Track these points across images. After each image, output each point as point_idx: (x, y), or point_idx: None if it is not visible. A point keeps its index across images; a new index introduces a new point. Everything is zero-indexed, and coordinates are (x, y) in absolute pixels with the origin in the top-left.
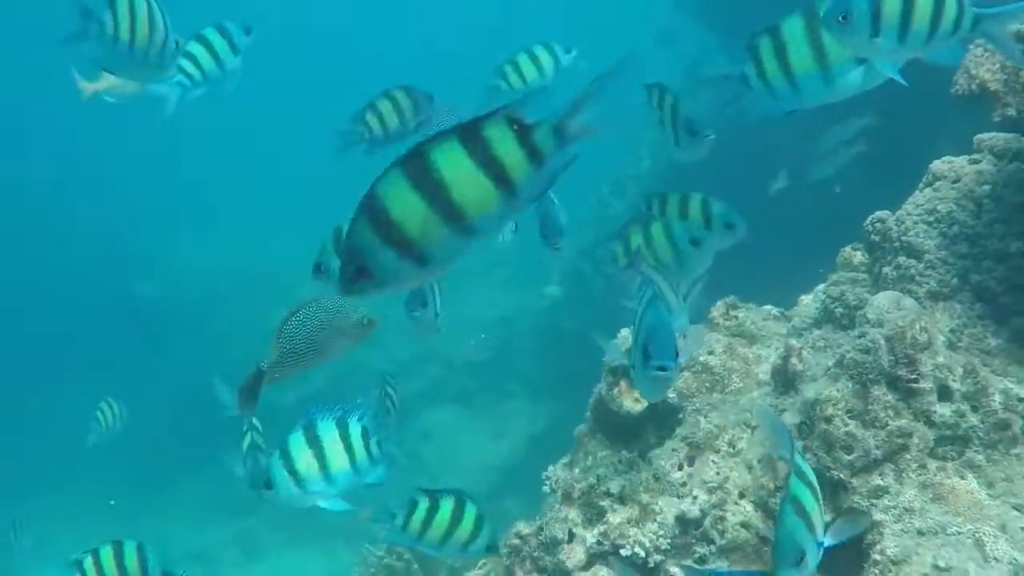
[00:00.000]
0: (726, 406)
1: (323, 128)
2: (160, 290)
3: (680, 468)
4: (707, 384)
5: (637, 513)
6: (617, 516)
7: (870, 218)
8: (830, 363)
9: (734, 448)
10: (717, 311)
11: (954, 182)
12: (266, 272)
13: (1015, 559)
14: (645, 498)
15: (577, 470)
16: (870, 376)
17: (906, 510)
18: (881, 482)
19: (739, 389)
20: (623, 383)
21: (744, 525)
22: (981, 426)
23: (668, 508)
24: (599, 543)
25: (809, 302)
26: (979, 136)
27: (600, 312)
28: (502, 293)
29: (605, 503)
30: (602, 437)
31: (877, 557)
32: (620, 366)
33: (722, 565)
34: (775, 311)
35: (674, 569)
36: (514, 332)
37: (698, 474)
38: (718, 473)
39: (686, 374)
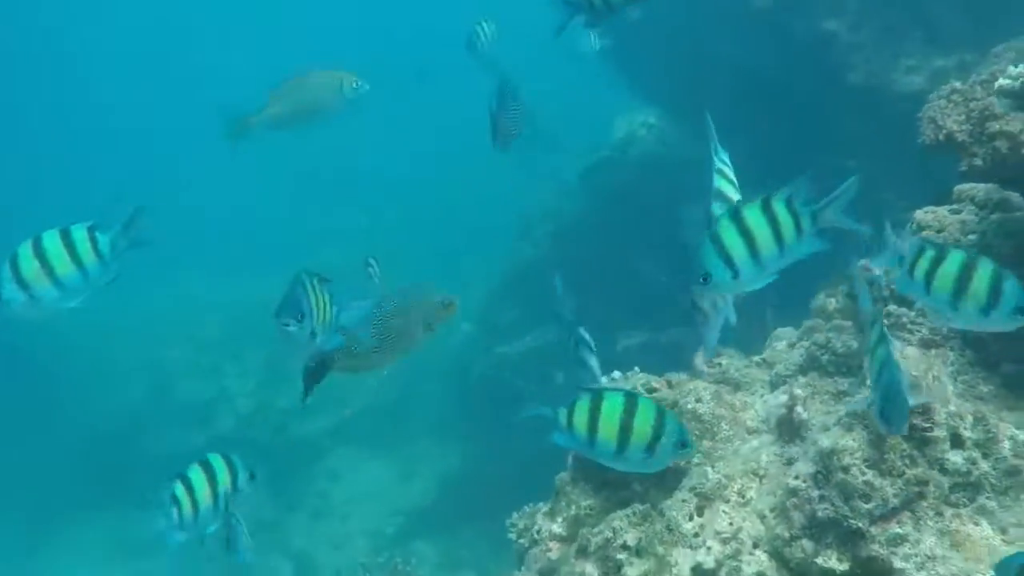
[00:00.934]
0: (730, 455)
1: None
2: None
3: (691, 519)
4: (696, 432)
5: (654, 566)
6: (634, 570)
7: (856, 265)
8: (842, 411)
9: (744, 498)
10: (699, 358)
11: (938, 231)
12: (160, 311)
13: None
14: (660, 550)
15: (560, 519)
16: None
17: (928, 557)
18: (900, 530)
19: (728, 437)
20: None
21: (759, 575)
22: (992, 473)
23: (683, 560)
24: None
25: (785, 348)
26: (959, 187)
27: (514, 355)
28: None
29: (622, 556)
30: (585, 486)
31: None
32: None
33: None
34: (756, 358)
35: None
36: (421, 371)
37: (710, 525)
38: (731, 523)
39: None
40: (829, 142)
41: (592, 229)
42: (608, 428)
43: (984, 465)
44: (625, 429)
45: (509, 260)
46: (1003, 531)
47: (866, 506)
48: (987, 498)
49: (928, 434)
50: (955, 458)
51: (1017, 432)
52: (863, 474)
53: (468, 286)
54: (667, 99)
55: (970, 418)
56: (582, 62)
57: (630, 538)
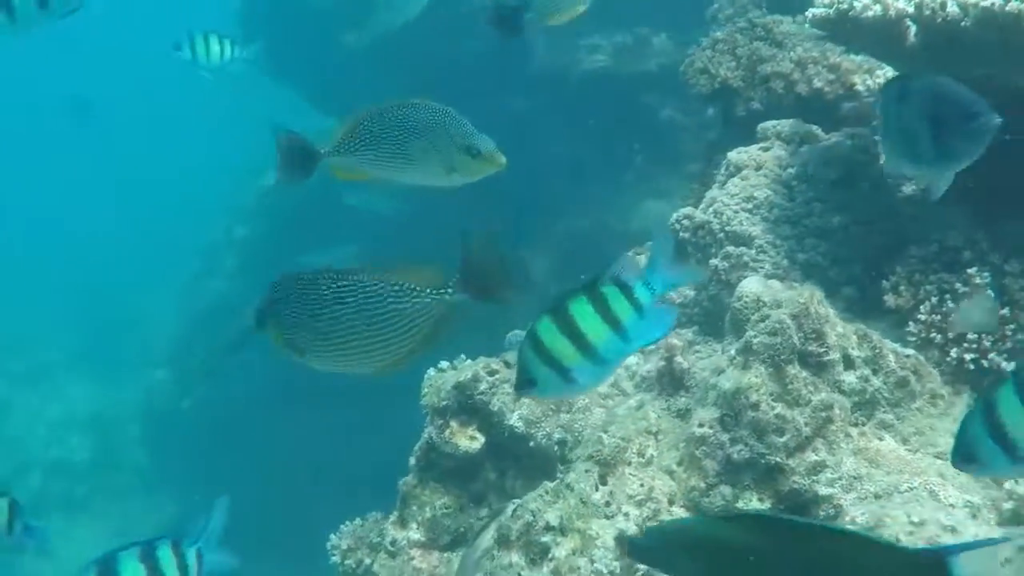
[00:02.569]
0: (606, 421)
1: None
2: None
3: (597, 489)
4: (552, 407)
5: (579, 542)
6: (562, 549)
7: (675, 216)
8: (732, 351)
9: (644, 457)
10: None
11: (757, 169)
12: None
13: (969, 501)
14: (580, 524)
15: (414, 524)
16: (782, 356)
17: (853, 478)
18: (817, 457)
19: (585, 406)
20: (453, 423)
21: None
22: (884, 387)
23: (604, 531)
24: None
25: None
26: (763, 125)
27: (222, 388)
28: (92, 386)
29: (547, 538)
30: (435, 484)
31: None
32: (446, 407)
33: None
34: None
35: None
36: (114, 424)
37: (619, 490)
38: (641, 485)
39: (524, 401)
40: (534, 134)
41: (281, 253)
42: None
43: (876, 381)
44: None
45: (195, 297)
46: (905, 441)
47: (781, 439)
48: (884, 412)
49: (824, 358)
50: (849, 378)
51: (895, 345)
52: (772, 408)
53: (147, 330)
54: (338, 103)
55: (855, 338)
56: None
57: (552, 517)
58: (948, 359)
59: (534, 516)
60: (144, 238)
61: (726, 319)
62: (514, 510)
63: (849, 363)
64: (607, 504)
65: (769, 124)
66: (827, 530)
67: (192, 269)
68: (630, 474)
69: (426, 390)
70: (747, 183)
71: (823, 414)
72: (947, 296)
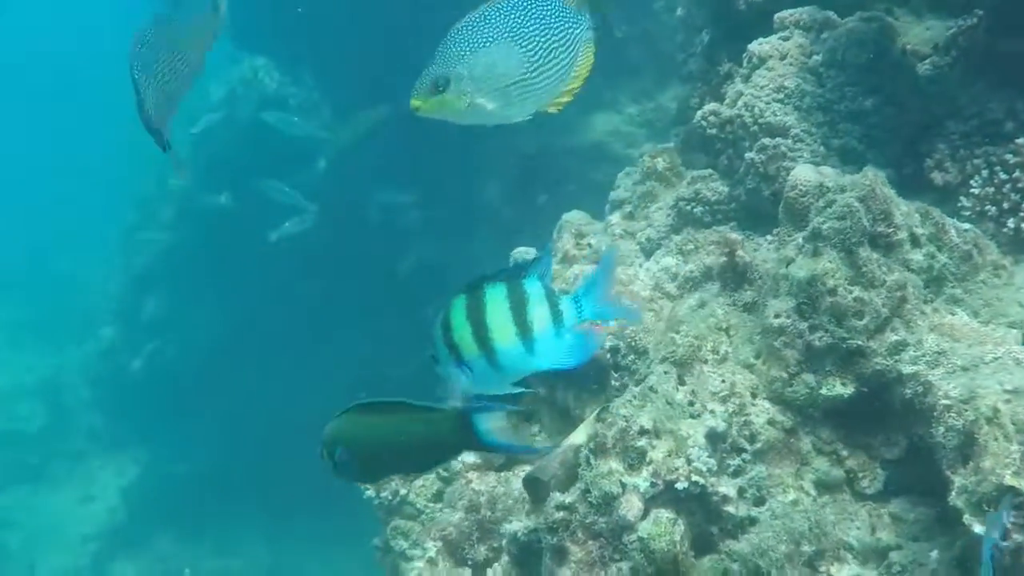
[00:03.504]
0: (681, 321)
1: None
2: None
3: (678, 389)
4: None
5: (673, 444)
6: (659, 452)
7: (701, 112)
8: (800, 238)
9: (719, 353)
10: (568, 243)
11: (782, 58)
12: None
13: None
14: (670, 426)
15: None
16: (853, 240)
17: (937, 353)
18: (897, 337)
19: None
20: None
21: (771, 423)
22: (950, 263)
23: (694, 430)
24: (652, 485)
25: (617, 220)
26: (779, 14)
27: (173, 344)
28: (37, 354)
29: (642, 442)
30: None
31: (945, 402)
32: None
33: (761, 470)
34: (616, 229)
35: (723, 489)
36: (64, 389)
37: (701, 388)
38: (723, 381)
39: None
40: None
41: (217, 201)
42: None
43: (941, 257)
44: None
45: (134, 251)
46: (976, 314)
47: (861, 322)
48: (952, 287)
49: (892, 238)
50: (916, 256)
51: (953, 220)
52: (850, 292)
53: (88, 290)
54: (266, 44)
55: (917, 216)
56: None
57: (645, 421)
58: (1004, 230)
59: (627, 421)
60: (75, 194)
61: (780, 209)
62: (599, 415)
63: (915, 241)
64: (691, 404)
65: (786, 13)
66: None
67: (128, 222)
68: (708, 372)
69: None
70: (775, 73)
71: (898, 294)
72: (997, 168)
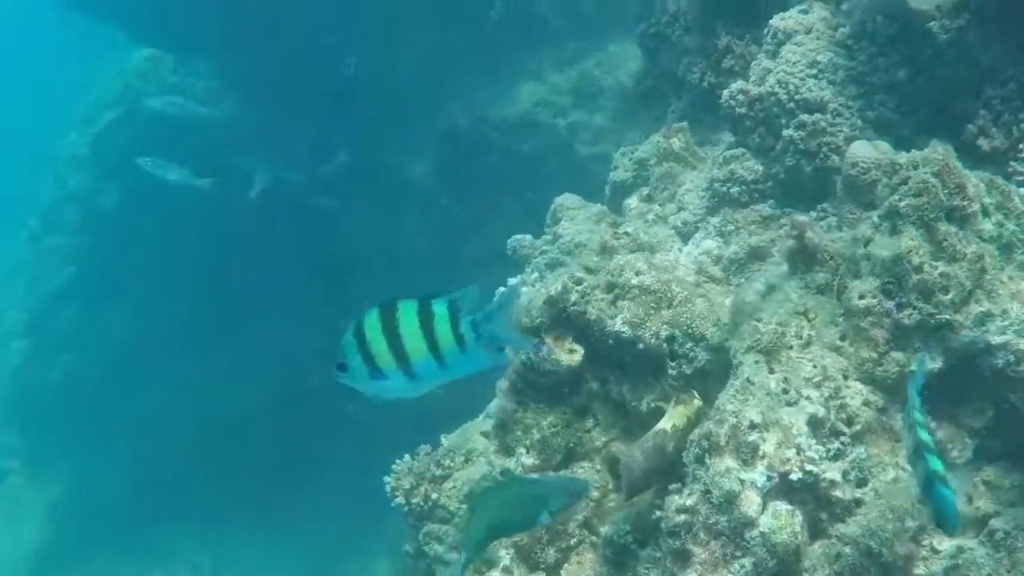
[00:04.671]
0: (721, 309)
1: None
2: None
3: (770, 378)
4: (653, 305)
5: (781, 435)
6: (769, 445)
7: (729, 92)
8: (875, 217)
9: (802, 338)
10: (606, 234)
11: (807, 32)
12: None
13: None
14: (774, 417)
15: (523, 449)
16: (931, 215)
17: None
18: (982, 308)
19: (686, 297)
20: (548, 339)
21: (866, 404)
22: (1017, 229)
23: (795, 418)
24: (768, 479)
25: (636, 204)
26: None
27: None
28: None
29: (754, 437)
30: (535, 405)
31: None
32: (540, 324)
33: (861, 452)
34: (650, 215)
35: (831, 474)
36: None
37: (793, 375)
38: (814, 366)
39: (625, 303)
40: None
41: (126, 200)
42: None
43: (1010, 224)
44: None
45: (42, 261)
46: None
47: (947, 297)
48: (1021, 254)
49: (967, 211)
50: (987, 226)
51: (1019, 188)
52: (935, 268)
53: None
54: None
55: (983, 186)
56: None
57: (754, 415)
58: None
59: (737, 417)
60: None
61: (839, 186)
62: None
63: (984, 211)
64: (784, 391)
65: None
66: None
67: (30, 230)
68: (796, 357)
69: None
70: (805, 48)
71: (978, 265)
72: None
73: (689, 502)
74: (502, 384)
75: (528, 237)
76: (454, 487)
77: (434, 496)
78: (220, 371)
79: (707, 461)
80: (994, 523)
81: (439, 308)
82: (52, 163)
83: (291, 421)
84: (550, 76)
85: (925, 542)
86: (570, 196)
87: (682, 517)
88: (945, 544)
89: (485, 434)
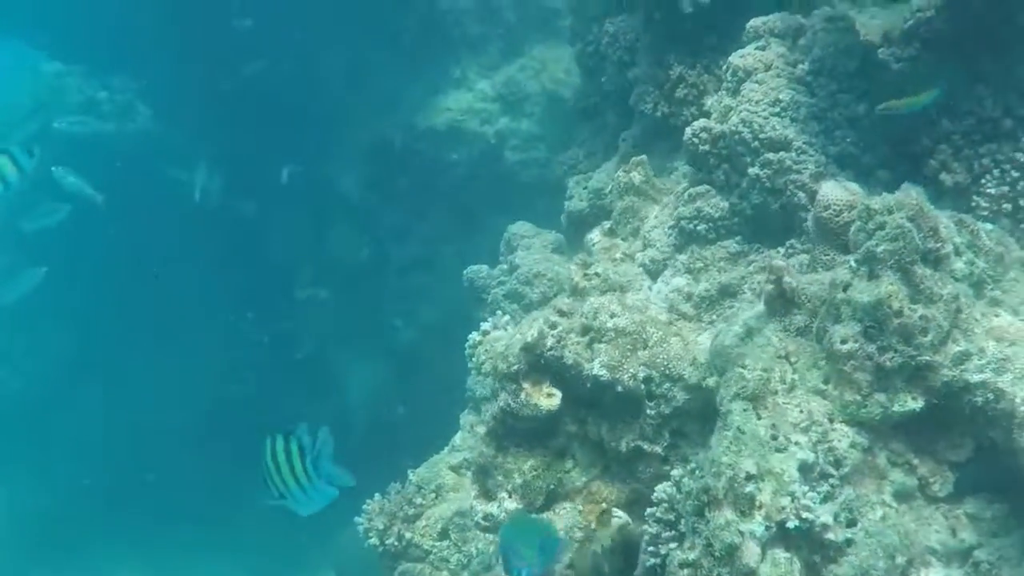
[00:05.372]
0: (741, 352)
1: None
2: None
3: (758, 422)
4: (629, 347)
5: (774, 483)
6: (765, 494)
7: (692, 130)
8: (852, 261)
9: (786, 383)
10: (576, 275)
11: (767, 69)
12: None
13: None
14: (767, 465)
15: (505, 494)
16: (907, 259)
17: (1002, 359)
18: (959, 348)
19: (662, 338)
20: (526, 384)
21: (852, 446)
22: (986, 266)
23: (786, 464)
24: (767, 528)
25: (599, 239)
26: (752, 23)
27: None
28: None
29: (751, 488)
30: (515, 449)
31: (1022, 409)
32: (517, 371)
33: (849, 493)
34: (617, 254)
35: (823, 518)
36: None
37: (780, 421)
38: (800, 411)
39: (602, 347)
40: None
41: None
42: None
43: (980, 262)
44: None
45: None
46: (1016, 312)
47: (927, 339)
48: (991, 290)
49: (941, 252)
50: (959, 265)
51: (984, 224)
52: (915, 311)
53: None
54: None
55: (953, 225)
56: None
57: (749, 466)
58: (1023, 226)
59: (734, 470)
60: None
61: (811, 227)
62: (692, 470)
63: (956, 251)
64: (773, 437)
65: (758, 21)
66: None
67: None
68: (783, 403)
69: (483, 358)
70: (766, 87)
71: (954, 306)
72: (1007, 167)
73: (691, 556)
74: (479, 429)
75: (484, 268)
76: (427, 525)
77: (407, 535)
78: (154, 385)
79: (707, 514)
80: (978, 554)
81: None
82: None
83: (230, 434)
84: (475, 83)
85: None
86: (523, 224)
87: (686, 572)
88: None
89: (453, 468)
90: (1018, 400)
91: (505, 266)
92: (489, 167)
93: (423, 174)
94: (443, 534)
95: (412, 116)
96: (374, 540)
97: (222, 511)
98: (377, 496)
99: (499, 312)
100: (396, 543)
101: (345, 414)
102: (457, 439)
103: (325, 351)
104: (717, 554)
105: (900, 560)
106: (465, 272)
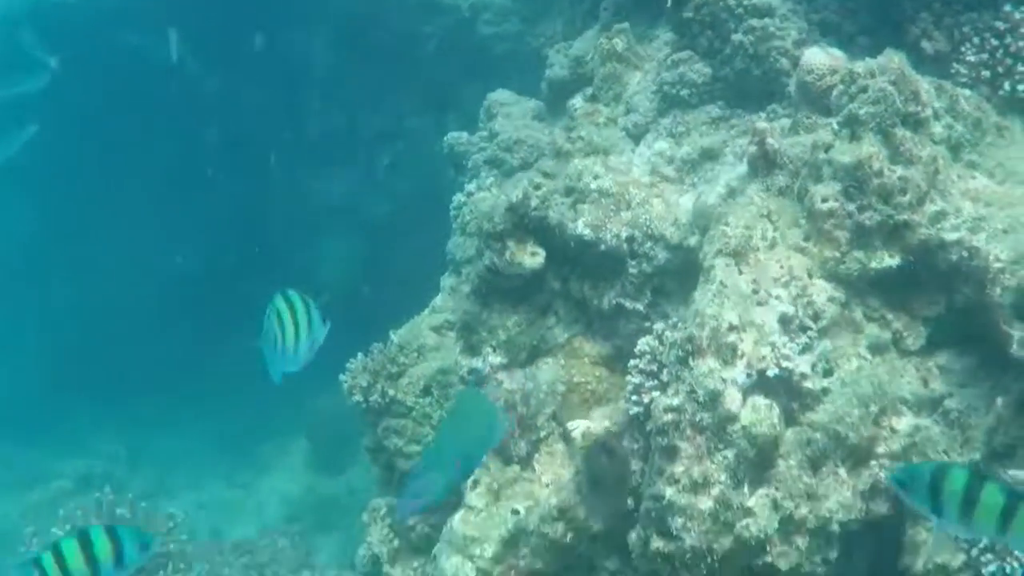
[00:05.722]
0: (724, 210)
1: None
2: None
3: (740, 276)
4: (612, 207)
5: (756, 335)
6: (747, 344)
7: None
8: (835, 123)
9: (767, 240)
10: (561, 138)
11: None
12: None
13: None
14: (748, 317)
15: (489, 349)
16: (888, 122)
17: (976, 219)
18: (935, 207)
19: (644, 199)
20: (510, 243)
21: (830, 300)
22: (964, 131)
23: (766, 317)
24: (748, 376)
25: (581, 105)
26: None
27: None
28: None
29: (732, 337)
30: (500, 306)
31: (997, 265)
32: (502, 231)
33: (826, 345)
34: (600, 119)
35: (801, 368)
36: None
37: (762, 276)
38: (780, 267)
39: (585, 207)
40: None
41: None
42: None
43: (958, 127)
44: None
45: None
46: (991, 175)
47: (905, 199)
48: (968, 153)
49: (921, 115)
50: (937, 128)
51: (963, 90)
52: (894, 172)
53: None
54: None
55: (933, 90)
56: None
57: (732, 317)
58: (1001, 92)
59: (717, 320)
60: None
61: (791, 91)
62: (674, 324)
63: (935, 115)
64: (754, 292)
65: None
66: None
67: None
68: (764, 259)
69: (468, 218)
70: None
71: (932, 167)
72: (987, 35)
73: (675, 402)
74: (462, 288)
75: (464, 134)
76: (410, 383)
77: (391, 392)
78: (118, 259)
79: (690, 363)
80: (948, 403)
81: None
82: None
83: (198, 306)
84: None
85: (885, 423)
86: (503, 92)
87: (669, 416)
88: (903, 424)
89: (434, 329)
90: (991, 257)
91: (485, 133)
92: (462, 39)
93: (395, 46)
94: (425, 391)
95: None
96: (358, 397)
97: (192, 385)
98: (360, 355)
99: (483, 175)
100: (380, 400)
101: (318, 289)
102: (438, 301)
103: (295, 227)
104: (700, 400)
105: (873, 408)
106: (445, 139)
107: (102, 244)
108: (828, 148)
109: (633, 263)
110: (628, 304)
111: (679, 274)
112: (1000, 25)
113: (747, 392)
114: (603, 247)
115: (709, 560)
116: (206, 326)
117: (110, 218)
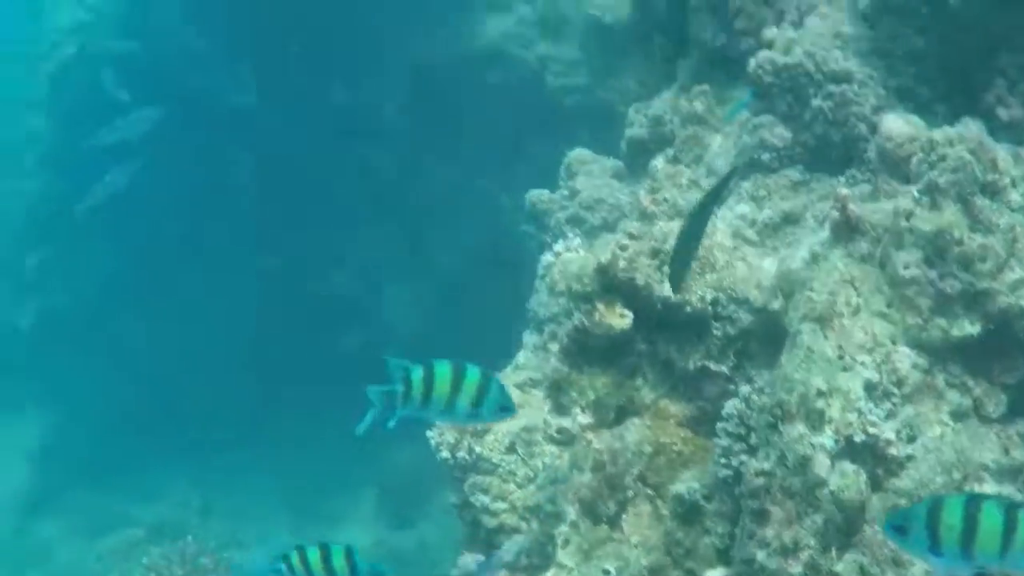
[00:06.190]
0: (806, 276)
1: None
2: None
3: (825, 342)
4: (697, 270)
5: (842, 401)
6: (834, 410)
7: (755, 62)
8: (915, 191)
9: (851, 305)
10: (647, 200)
11: (829, 3)
12: None
13: None
14: (835, 383)
15: (578, 410)
16: (967, 190)
17: None
18: (1015, 275)
19: (727, 262)
20: (600, 305)
21: (914, 367)
22: None
23: (852, 383)
24: (836, 442)
25: (663, 166)
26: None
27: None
28: None
29: (820, 403)
30: (590, 368)
31: None
32: (590, 292)
33: (910, 411)
34: (682, 180)
35: (887, 434)
36: None
37: (847, 342)
38: (865, 333)
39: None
40: None
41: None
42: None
43: None
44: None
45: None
46: None
47: (985, 266)
48: None
49: (999, 184)
50: (1015, 196)
51: None
52: (973, 240)
53: None
54: None
55: (1010, 158)
56: None
57: (819, 383)
58: None
59: (805, 386)
60: None
61: (873, 158)
62: (759, 388)
63: (1013, 183)
64: (839, 357)
65: None
66: None
67: None
68: (848, 325)
69: (557, 278)
70: (828, 22)
71: (1010, 235)
72: None
73: (766, 466)
74: (549, 346)
75: (546, 192)
76: (495, 440)
77: (477, 449)
78: (201, 306)
79: (780, 427)
80: None
81: None
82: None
83: (275, 357)
84: (517, 6)
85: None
86: (582, 150)
87: (760, 480)
88: (985, 491)
89: (518, 386)
90: None
91: (566, 191)
92: (530, 92)
93: (462, 98)
94: (510, 448)
95: (451, 41)
96: (445, 453)
97: (267, 435)
98: None
99: (569, 235)
100: (466, 456)
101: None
102: (520, 358)
103: (365, 275)
104: (790, 464)
105: (956, 476)
106: (527, 195)
107: (180, 292)
108: (909, 216)
109: (717, 325)
110: (713, 366)
111: (762, 337)
112: None
113: (835, 457)
114: (688, 309)
115: None
116: (278, 376)
117: (188, 265)
